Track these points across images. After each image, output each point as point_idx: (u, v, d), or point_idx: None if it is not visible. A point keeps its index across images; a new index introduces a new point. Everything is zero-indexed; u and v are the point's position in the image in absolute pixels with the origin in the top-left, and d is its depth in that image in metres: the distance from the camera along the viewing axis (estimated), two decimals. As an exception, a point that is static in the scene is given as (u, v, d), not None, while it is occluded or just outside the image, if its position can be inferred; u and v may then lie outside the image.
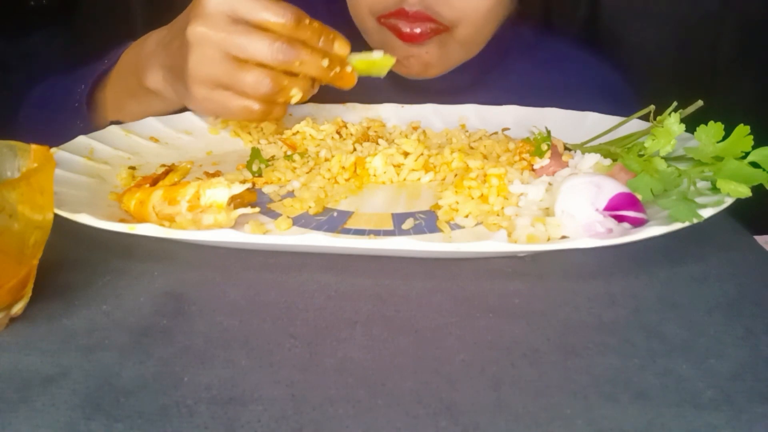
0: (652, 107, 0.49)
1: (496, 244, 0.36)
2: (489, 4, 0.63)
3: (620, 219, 0.40)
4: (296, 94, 0.51)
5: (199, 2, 0.49)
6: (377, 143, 0.56)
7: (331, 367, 0.30)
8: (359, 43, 0.71)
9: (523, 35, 0.74)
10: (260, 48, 0.48)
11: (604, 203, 0.40)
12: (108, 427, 0.27)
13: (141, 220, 0.42)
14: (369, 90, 0.57)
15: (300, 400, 0.28)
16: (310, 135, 0.58)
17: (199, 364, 0.31)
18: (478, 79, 0.72)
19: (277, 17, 0.49)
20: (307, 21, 0.50)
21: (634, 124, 0.53)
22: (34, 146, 0.35)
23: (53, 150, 0.49)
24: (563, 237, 0.41)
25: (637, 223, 0.40)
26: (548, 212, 0.43)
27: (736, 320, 0.34)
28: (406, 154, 0.52)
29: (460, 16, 0.63)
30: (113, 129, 0.56)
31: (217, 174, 0.52)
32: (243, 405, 0.28)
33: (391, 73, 0.60)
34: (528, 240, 0.40)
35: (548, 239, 0.40)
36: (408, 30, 0.63)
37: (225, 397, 0.28)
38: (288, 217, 0.44)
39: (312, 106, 0.66)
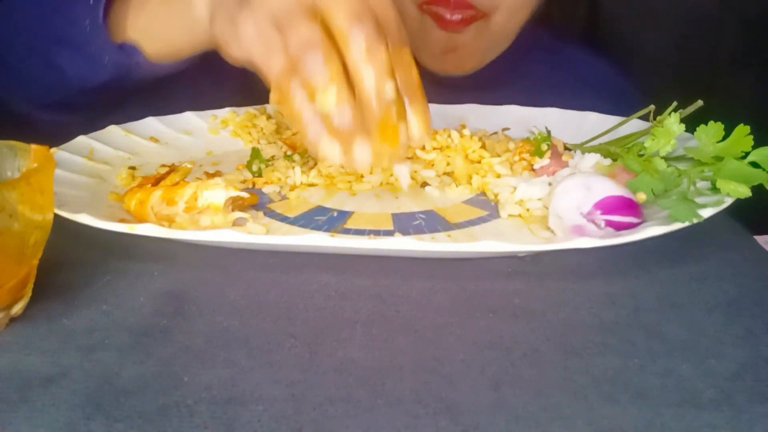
0: (652, 107, 0.49)
1: (496, 244, 0.36)
2: None
3: (609, 223, 0.40)
4: (331, 92, 0.37)
5: None
6: None
7: (331, 367, 0.30)
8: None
9: (541, 38, 0.76)
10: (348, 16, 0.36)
11: (589, 207, 0.40)
12: (108, 427, 0.27)
13: (141, 220, 0.42)
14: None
15: (300, 400, 0.28)
16: None
17: (199, 364, 0.31)
18: (498, 77, 0.73)
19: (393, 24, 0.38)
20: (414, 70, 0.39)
21: (635, 124, 0.53)
22: (34, 146, 0.35)
23: (53, 150, 0.49)
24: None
25: (629, 228, 0.40)
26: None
27: (736, 320, 0.34)
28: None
29: (497, 3, 0.65)
30: (113, 129, 0.56)
31: (217, 174, 0.52)
32: (243, 405, 0.28)
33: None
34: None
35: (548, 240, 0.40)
36: (449, 16, 0.65)
37: (225, 397, 0.28)
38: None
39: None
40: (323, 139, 0.38)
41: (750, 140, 0.41)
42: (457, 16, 0.65)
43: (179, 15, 0.48)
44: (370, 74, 0.37)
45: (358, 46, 0.36)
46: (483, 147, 0.53)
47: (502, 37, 0.70)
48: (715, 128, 0.43)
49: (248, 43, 0.39)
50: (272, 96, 0.39)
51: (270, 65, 0.38)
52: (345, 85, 0.37)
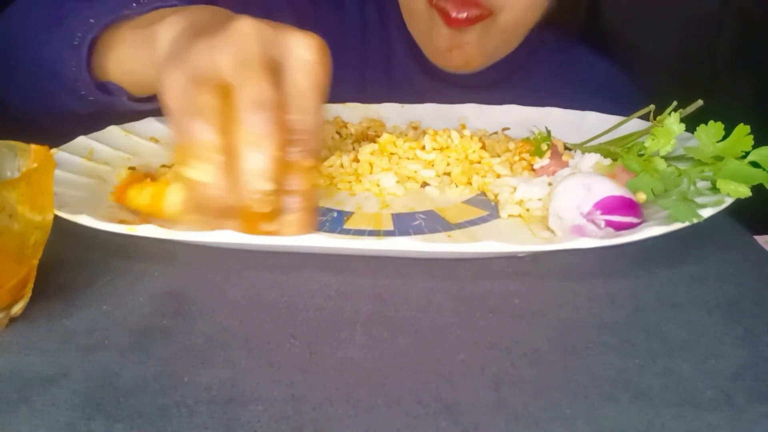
0: (652, 107, 0.49)
1: (496, 245, 0.36)
2: None
3: (609, 223, 0.40)
4: (205, 169, 0.36)
5: (304, 32, 0.38)
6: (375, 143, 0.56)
7: (331, 367, 0.30)
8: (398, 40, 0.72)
9: (548, 39, 0.76)
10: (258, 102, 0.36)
11: (589, 206, 0.40)
12: (108, 427, 0.27)
13: (153, 214, 0.41)
14: (395, 81, 0.55)
15: (300, 400, 0.28)
16: None
17: (199, 364, 0.31)
18: (506, 77, 0.73)
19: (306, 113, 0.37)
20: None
21: (635, 124, 0.53)
22: (34, 146, 0.35)
23: (53, 150, 0.49)
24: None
25: (629, 228, 0.40)
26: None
27: (736, 320, 0.34)
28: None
29: (504, 2, 0.65)
30: (113, 129, 0.56)
31: None
32: (243, 405, 0.28)
33: (417, 64, 0.60)
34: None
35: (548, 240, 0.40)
36: (455, 14, 0.65)
37: (225, 397, 0.28)
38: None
39: None
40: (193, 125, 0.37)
41: (750, 140, 0.41)
42: (462, 14, 0.65)
43: (147, 56, 0.46)
44: (251, 167, 0.36)
45: (251, 134, 0.36)
46: (483, 147, 0.53)
47: (511, 36, 0.70)
48: (715, 128, 0.43)
49: (167, 94, 0.38)
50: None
51: (176, 118, 0.38)
52: (220, 167, 0.36)
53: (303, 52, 0.38)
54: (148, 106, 0.54)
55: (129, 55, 0.49)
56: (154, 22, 0.44)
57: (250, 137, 0.36)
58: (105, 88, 0.52)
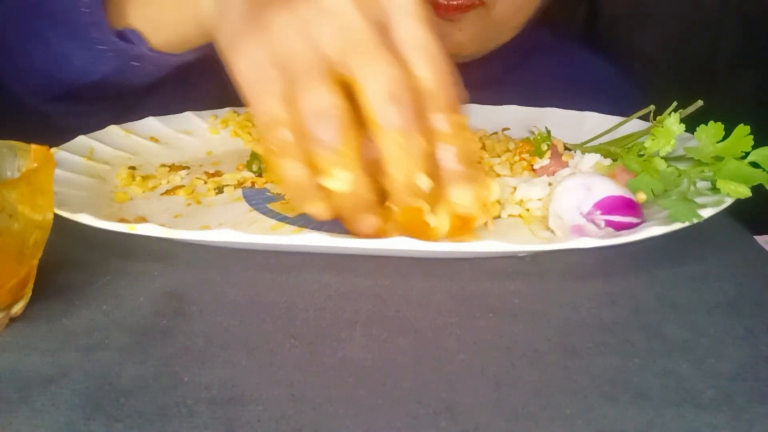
0: (652, 107, 0.49)
1: (496, 244, 0.36)
2: None
3: (609, 223, 0.40)
4: (338, 177, 0.33)
5: None
6: None
7: (331, 367, 0.30)
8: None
9: (543, 37, 0.75)
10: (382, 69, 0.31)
11: (589, 206, 0.40)
12: (108, 427, 0.27)
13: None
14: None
15: (300, 400, 0.28)
16: None
17: (199, 364, 0.31)
18: (501, 75, 0.72)
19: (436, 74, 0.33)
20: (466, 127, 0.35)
21: (635, 124, 0.53)
22: (34, 146, 0.35)
23: (53, 150, 0.49)
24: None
25: (629, 228, 0.40)
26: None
27: (736, 320, 0.34)
28: None
29: None
30: (113, 129, 0.56)
31: (217, 174, 0.52)
32: (243, 405, 0.28)
33: None
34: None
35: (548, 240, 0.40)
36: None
37: (225, 397, 0.28)
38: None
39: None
40: (309, 203, 0.36)
41: (750, 140, 0.41)
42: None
43: (185, 6, 0.44)
44: (400, 169, 0.33)
45: (391, 134, 0.32)
46: (483, 147, 0.53)
47: (505, 28, 0.68)
48: (715, 128, 0.43)
49: (242, 75, 0.34)
50: (257, 145, 0.35)
51: (261, 110, 0.34)
52: (360, 173, 0.33)
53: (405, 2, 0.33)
54: (174, 61, 0.51)
55: (155, 4, 0.46)
56: None
57: (390, 137, 0.32)
58: (123, 36, 0.48)
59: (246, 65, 0.34)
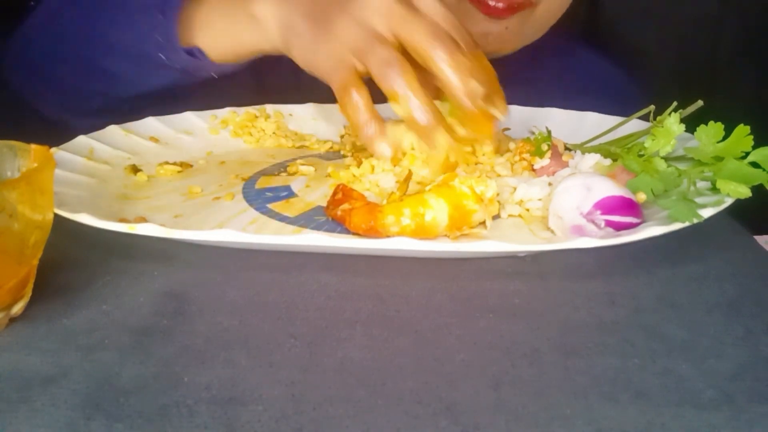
0: (652, 107, 0.49)
1: (496, 244, 0.36)
2: None
3: (609, 223, 0.40)
4: (411, 99, 0.43)
5: None
6: None
7: (331, 367, 0.30)
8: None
9: (548, 39, 0.74)
10: (424, 28, 0.43)
11: (589, 207, 0.40)
12: (108, 427, 0.27)
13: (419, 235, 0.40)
14: None
15: (300, 400, 0.28)
16: None
17: (199, 364, 0.31)
18: (508, 76, 0.72)
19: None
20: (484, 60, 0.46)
21: (635, 124, 0.53)
22: (34, 146, 0.35)
23: (53, 150, 0.49)
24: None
25: (629, 228, 0.40)
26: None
27: (736, 320, 0.34)
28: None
29: None
30: (113, 129, 0.56)
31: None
32: (243, 405, 0.28)
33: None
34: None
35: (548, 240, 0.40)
36: (492, 3, 0.63)
37: (225, 397, 0.28)
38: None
39: (313, 106, 0.66)
40: (377, 139, 0.45)
41: (750, 140, 0.41)
42: (500, 4, 0.63)
43: (245, 28, 0.52)
44: (456, 78, 0.43)
45: (441, 57, 0.43)
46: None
47: (543, 26, 0.69)
48: (715, 128, 0.43)
49: (326, 67, 0.46)
50: (355, 129, 0.47)
51: (339, 81, 0.46)
52: (423, 92, 0.44)
53: None
54: (229, 70, 0.59)
55: (219, 29, 0.55)
56: (244, 2, 0.51)
57: (447, 59, 0.43)
58: (190, 53, 0.56)
59: (329, 60, 0.46)
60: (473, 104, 0.44)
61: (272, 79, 0.66)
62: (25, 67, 0.65)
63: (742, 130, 0.42)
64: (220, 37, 0.55)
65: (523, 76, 0.73)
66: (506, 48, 0.69)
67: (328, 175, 0.52)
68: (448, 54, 0.43)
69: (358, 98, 0.45)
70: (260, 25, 0.51)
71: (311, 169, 0.53)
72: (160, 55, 0.55)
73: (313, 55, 0.47)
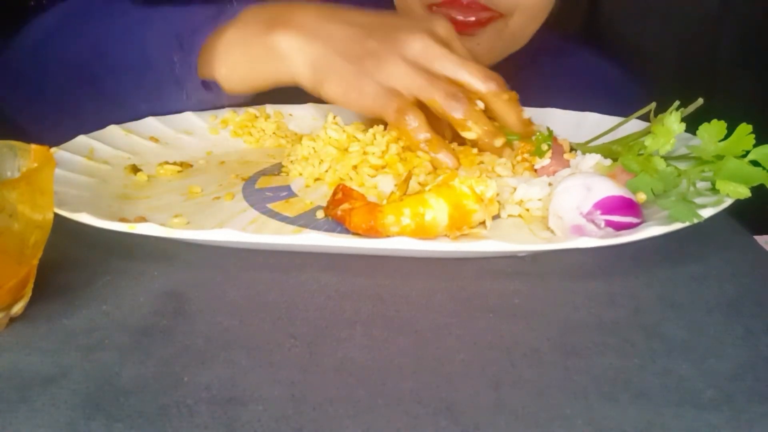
0: (653, 105, 0.49)
1: (496, 244, 0.36)
2: None
3: (609, 223, 0.40)
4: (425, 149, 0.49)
5: (435, 21, 0.52)
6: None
7: (331, 367, 0.30)
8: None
9: (551, 41, 0.74)
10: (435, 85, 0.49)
11: (589, 207, 0.40)
12: (108, 427, 0.27)
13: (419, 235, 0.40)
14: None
15: (300, 400, 0.28)
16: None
17: (199, 364, 0.31)
18: (507, 77, 0.71)
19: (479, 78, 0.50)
20: (505, 96, 0.51)
21: (636, 124, 0.52)
22: (34, 146, 0.35)
23: (53, 150, 0.49)
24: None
25: (629, 227, 0.40)
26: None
27: (736, 320, 0.34)
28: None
29: (517, 4, 0.63)
30: (113, 129, 0.56)
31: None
32: (243, 405, 0.28)
33: None
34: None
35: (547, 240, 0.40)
36: (461, 18, 0.62)
37: (225, 397, 0.28)
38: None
39: (313, 106, 0.66)
40: (441, 152, 0.50)
41: (752, 139, 0.41)
42: (470, 18, 0.62)
43: (265, 61, 0.53)
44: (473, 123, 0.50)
45: (460, 114, 0.50)
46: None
47: (520, 38, 0.68)
48: (717, 126, 0.43)
49: (376, 102, 0.50)
50: (395, 132, 0.51)
51: (389, 114, 0.50)
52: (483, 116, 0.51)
53: (447, 31, 0.53)
54: (240, 100, 0.60)
55: (237, 61, 0.55)
56: (263, 36, 0.53)
57: (462, 115, 0.49)
58: (206, 84, 0.57)
59: (379, 95, 0.50)
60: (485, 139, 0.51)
61: None
62: (15, 87, 0.63)
63: (744, 129, 0.42)
64: (237, 69, 0.55)
65: (523, 76, 0.73)
66: (482, 63, 0.68)
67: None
68: (462, 113, 0.49)
69: (417, 119, 0.49)
70: (283, 59, 0.52)
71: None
72: (177, 88, 0.56)
73: (356, 92, 0.50)
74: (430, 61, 0.50)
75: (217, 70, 0.56)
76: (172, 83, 0.56)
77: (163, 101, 0.59)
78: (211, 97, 0.58)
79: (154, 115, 0.59)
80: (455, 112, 0.49)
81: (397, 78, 0.50)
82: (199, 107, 0.61)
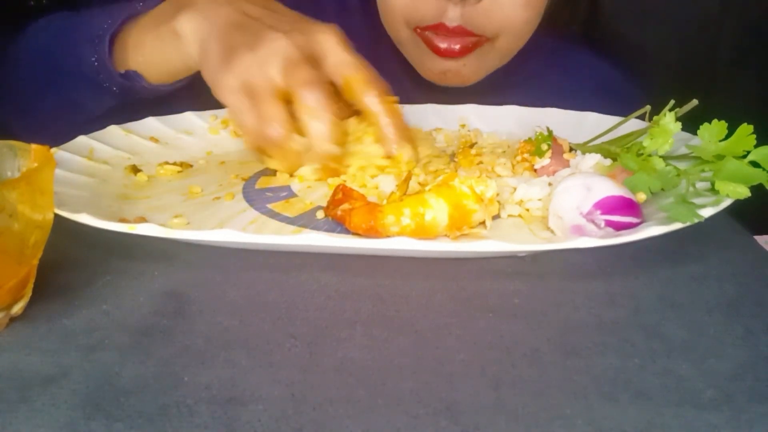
0: (648, 107, 0.49)
1: (496, 244, 0.36)
2: (528, 15, 0.63)
3: (609, 223, 0.40)
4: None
5: (324, 27, 0.50)
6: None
7: (331, 367, 0.30)
8: (389, 53, 0.70)
9: (544, 42, 0.73)
10: (313, 95, 0.47)
11: (589, 207, 0.40)
12: (108, 427, 0.27)
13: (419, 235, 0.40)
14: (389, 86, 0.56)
15: (300, 400, 0.28)
16: None
17: (199, 364, 0.31)
18: (501, 82, 0.71)
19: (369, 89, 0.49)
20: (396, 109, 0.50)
21: (635, 124, 0.53)
22: (34, 146, 0.35)
23: (53, 150, 0.49)
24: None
25: (629, 228, 0.40)
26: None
27: (736, 320, 0.34)
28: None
29: (501, 28, 0.62)
30: (113, 129, 0.56)
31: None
32: (243, 405, 0.28)
33: (410, 71, 0.58)
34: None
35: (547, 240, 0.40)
36: (445, 45, 0.62)
37: (225, 397, 0.28)
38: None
39: None
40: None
41: (752, 139, 0.41)
42: (455, 46, 0.62)
43: (170, 45, 0.54)
44: (318, 135, 0.48)
45: (310, 113, 0.47)
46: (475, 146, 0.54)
47: (506, 56, 0.68)
48: (718, 126, 0.43)
49: (224, 98, 0.49)
50: (245, 143, 0.52)
51: (238, 117, 0.49)
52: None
53: (328, 38, 0.49)
54: (166, 87, 0.59)
55: (149, 47, 0.56)
56: (170, 20, 0.53)
57: (310, 111, 0.47)
58: (126, 76, 0.58)
59: (225, 92, 0.48)
60: (320, 156, 0.49)
61: None
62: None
63: (745, 129, 0.42)
64: (150, 56, 0.56)
65: (521, 77, 0.73)
66: (467, 82, 0.67)
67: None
68: (313, 106, 0.47)
69: (271, 111, 0.47)
70: (182, 42, 0.52)
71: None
72: (102, 82, 0.57)
73: (213, 85, 0.49)
74: (273, 65, 0.47)
75: (132, 59, 0.57)
76: (96, 77, 0.57)
77: (93, 94, 0.59)
78: (132, 86, 0.58)
79: (98, 112, 0.60)
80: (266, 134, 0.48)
81: (243, 77, 0.47)
82: (125, 98, 0.60)
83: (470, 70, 0.66)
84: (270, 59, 0.47)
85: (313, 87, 0.47)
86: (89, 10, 0.60)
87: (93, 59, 0.57)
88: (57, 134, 0.53)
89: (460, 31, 0.61)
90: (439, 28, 0.61)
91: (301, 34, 0.48)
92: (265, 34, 0.48)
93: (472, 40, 0.62)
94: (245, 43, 0.48)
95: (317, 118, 0.47)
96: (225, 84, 0.48)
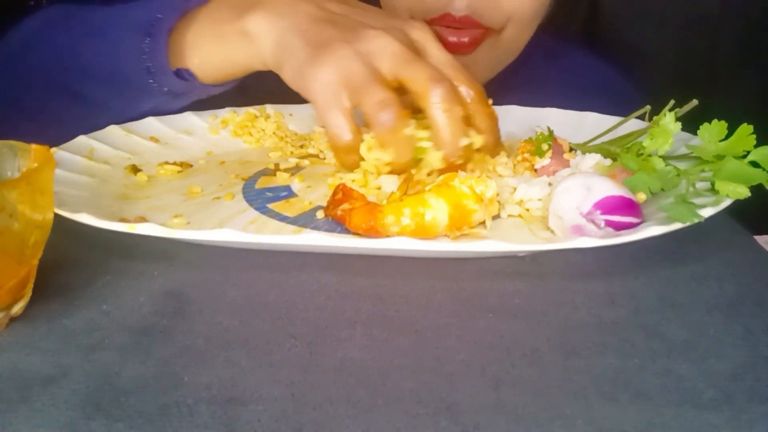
0: (648, 108, 0.49)
1: (496, 244, 0.36)
2: (535, 4, 0.63)
3: (609, 223, 0.40)
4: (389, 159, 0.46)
5: (412, 24, 0.49)
6: None
7: (331, 367, 0.30)
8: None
9: (543, 42, 0.73)
10: (429, 72, 0.45)
11: (589, 206, 0.40)
12: (108, 427, 0.27)
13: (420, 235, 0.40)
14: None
15: (300, 400, 0.28)
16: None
17: (199, 364, 0.31)
18: (502, 79, 0.71)
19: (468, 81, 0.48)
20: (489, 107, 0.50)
21: (635, 124, 0.52)
22: (34, 146, 0.35)
23: (53, 150, 0.49)
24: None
25: (629, 227, 0.40)
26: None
27: (736, 320, 0.34)
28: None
29: (508, 18, 0.62)
30: (113, 129, 0.56)
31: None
32: (243, 405, 0.28)
33: None
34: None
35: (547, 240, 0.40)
36: (455, 39, 0.61)
37: (225, 397, 0.28)
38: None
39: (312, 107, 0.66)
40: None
41: (752, 139, 0.41)
42: (464, 39, 0.61)
43: (238, 46, 0.51)
44: (447, 131, 0.46)
45: (438, 103, 0.45)
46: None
47: (514, 49, 0.67)
48: (718, 126, 0.43)
49: (317, 94, 0.46)
50: (329, 142, 0.49)
51: (329, 116, 0.46)
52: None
53: (424, 36, 0.50)
54: (218, 89, 0.57)
55: (208, 47, 0.53)
56: (236, 20, 0.51)
57: (442, 105, 0.45)
58: (179, 74, 0.54)
59: (320, 87, 0.46)
60: (451, 158, 0.47)
61: (272, 78, 0.65)
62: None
63: (745, 129, 0.42)
64: (210, 56, 0.54)
65: (523, 79, 0.73)
66: (480, 80, 0.67)
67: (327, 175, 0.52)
68: (444, 101, 0.45)
69: (345, 119, 0.46)
70: (253, 42, 0.50)
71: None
72: (150, 80, 0.54)
73: (302, 78, 0.47)
74: (380, 59, 0.46)
75: (189, 59, 0.54)
76: (143, 76, 0.54)
77: (134, 97, 0.56)
78: (186, 86, 0.55)
79: (130, 117, 0.58)
80: (380, 129, 0.45)
81: (344, 75, 0.46)
82: (173, 101, 0.58)
83: (480, 66, 0.65)
84: (378, 54, 0.46)
85: (439, 82, 0.45)
86: (123, 4, 0.56)
87: (143, 57, 0.53)
88: (60, 137, 0.52)
89: (467, 22, 0.60)
90: (446, 19, 0.60)
91: (397, 30, 0.48)
92: (362, 30, 0.47)
93: (480, 32, 0.62)
94: (340, 38, 0.46)
95: (448, 112, 0.45)
96: (318, 77, 0.45)
